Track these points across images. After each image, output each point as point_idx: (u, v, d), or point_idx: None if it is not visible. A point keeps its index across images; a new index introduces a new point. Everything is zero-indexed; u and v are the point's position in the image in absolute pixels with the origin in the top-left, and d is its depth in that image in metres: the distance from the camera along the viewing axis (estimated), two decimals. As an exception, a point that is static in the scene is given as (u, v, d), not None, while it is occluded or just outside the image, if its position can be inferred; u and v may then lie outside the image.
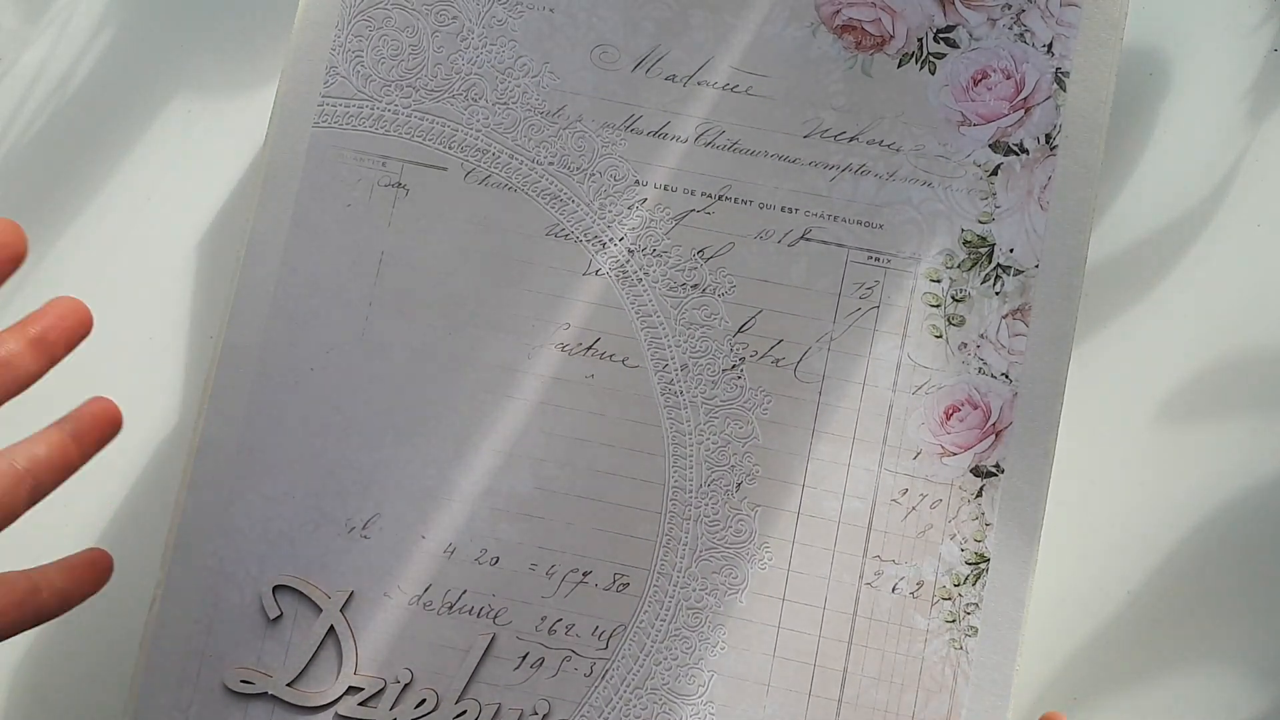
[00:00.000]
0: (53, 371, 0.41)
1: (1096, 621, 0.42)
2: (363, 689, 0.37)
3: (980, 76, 0.40)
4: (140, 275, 0.44)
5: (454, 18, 0.40)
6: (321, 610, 0.38)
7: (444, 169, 0.39)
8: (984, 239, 0.39)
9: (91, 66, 0.45)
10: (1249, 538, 0.42)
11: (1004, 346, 0.39)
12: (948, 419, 0.38)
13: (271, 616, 0.38)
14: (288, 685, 0.37)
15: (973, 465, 0.38)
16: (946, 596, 0.38)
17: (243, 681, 0.37)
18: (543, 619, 0.38)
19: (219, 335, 0.39)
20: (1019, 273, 0.39)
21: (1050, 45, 0.39)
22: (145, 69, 0.45)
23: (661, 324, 0.39)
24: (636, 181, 0.39)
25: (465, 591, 0.38)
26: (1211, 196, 0.44)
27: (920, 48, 0.40)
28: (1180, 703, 0.41)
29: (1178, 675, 0.41)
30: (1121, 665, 0.42)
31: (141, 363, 0.43)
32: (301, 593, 0.38)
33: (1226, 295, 0.43)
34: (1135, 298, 0.44)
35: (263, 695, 0.37)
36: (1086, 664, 0.42)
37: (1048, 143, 0.39)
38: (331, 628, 0.38)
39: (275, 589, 0.38)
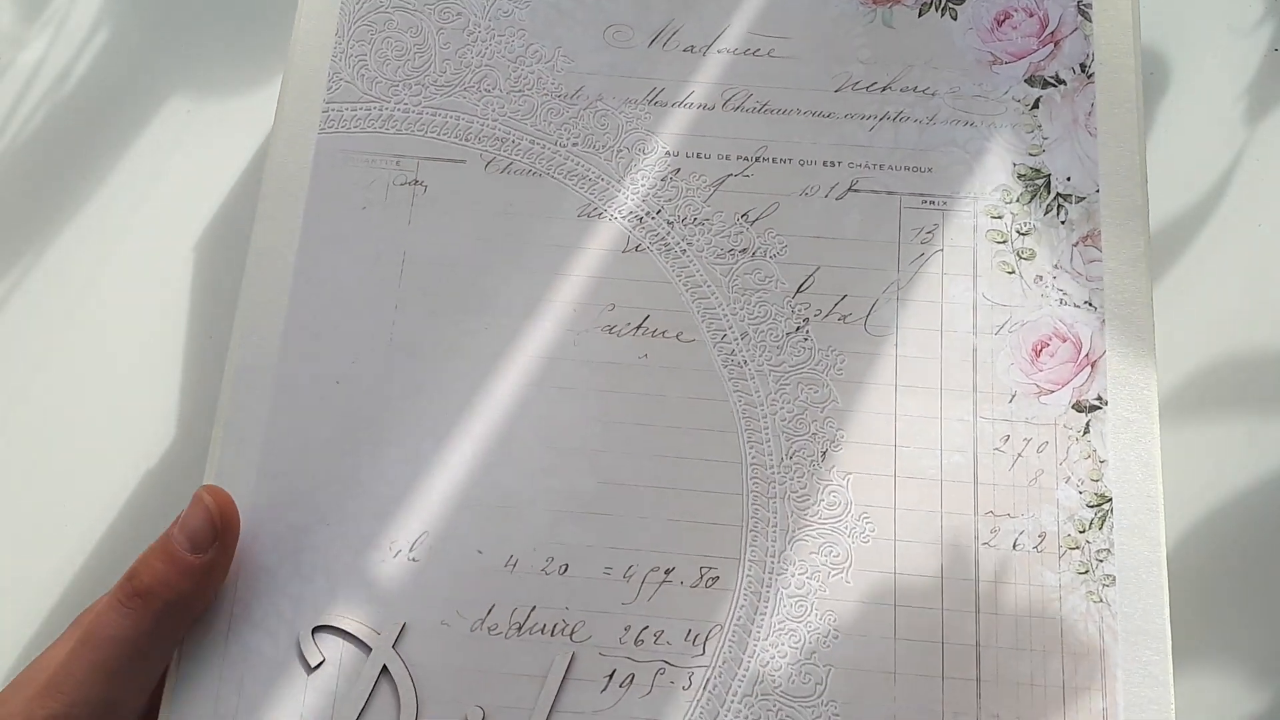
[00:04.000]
0: (52, 371, 0.41)
1: None
2: (426, 734, 0.32)
3: (1003, 17, 0.39)
4: (139, 275, 0.43)
5: (458, 14, 0.38)
6: (371, 650, 0.33)
7: (462, 161, 0.37)
8: (1038, 170, 0.37)
9: (89, 66, 0.45)
10: (1249, 538, 0.40)
11: (1081, 274, 0.36)
12: (1037, 356, 0.35)
13: (313, 664, 0.33)
14: (337, 741, 0.32)
15: (1073, 401, 0.35)
16: (1074, 546, 0.34)
17: (283, 743, 0.32)
18: (626, 629, 0.33)
19: (229, 360, 0.35)
20: (1080, 199, 0.37)
21: (1067, -19, 0.39)
22: (143, 68, 0.44)
23: (714, 293, 0.36)
24: (667, 153, 0.37)
25: (534, 608, 0.33)
26: (1211, 196, 0.44)
27: (937, -3, 0.39)
28: (1180, 703, 0.39)
29: (1178, 675, 0.38)
30: None
31: (141, 363, 0.42)
32: (346, 631, 0.33)
33: (1226, 295, 0.43)
34: None
35: (308, 757, 0.32)
36: None
37: (1084, 71, 0.38)
38: (385, 668, 0.32)
39: (315, 631, 0.33)
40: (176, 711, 0.32)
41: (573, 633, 0.33)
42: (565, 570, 0.33)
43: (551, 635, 0.33)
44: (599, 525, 0.34)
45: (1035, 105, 0.38)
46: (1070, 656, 0.33)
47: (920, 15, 0.39)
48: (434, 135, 0.37)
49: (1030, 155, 0.37)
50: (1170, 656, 0.33)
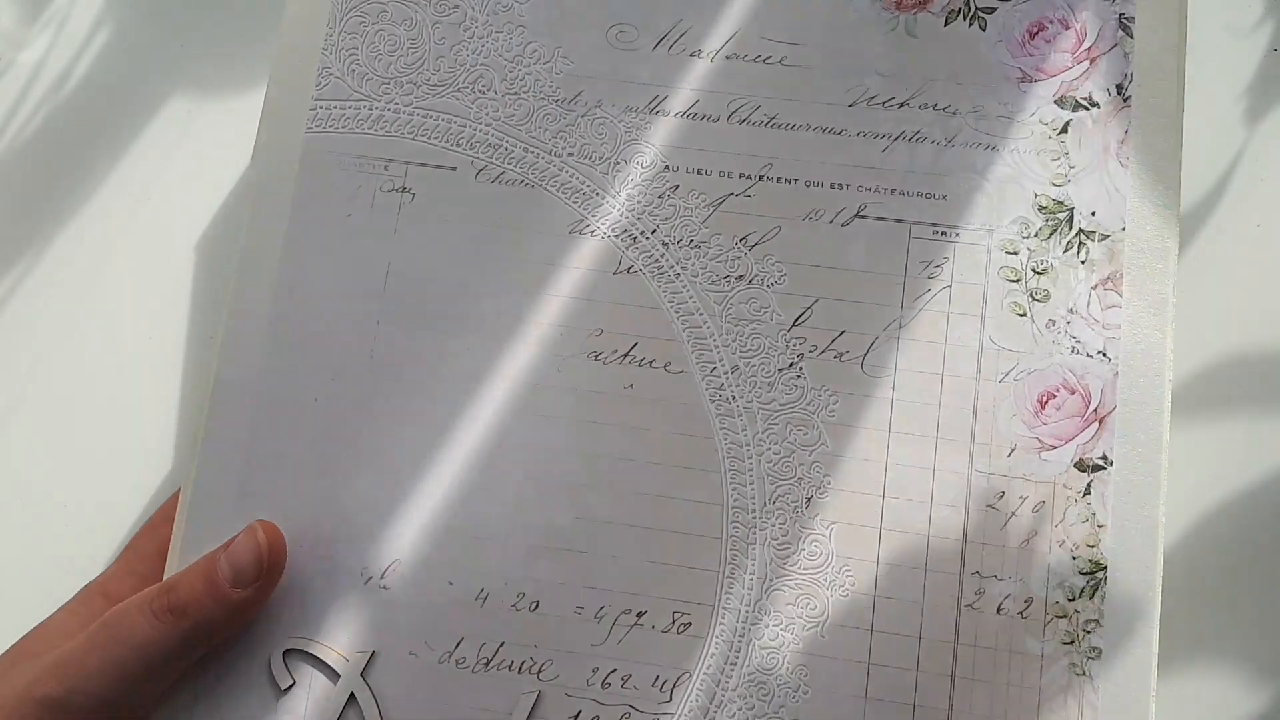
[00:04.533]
0: (52, 370, 0.42)
1: None
2: (390, 765, 0.32)
3: (1036, 29, 0.36)
4: (139, 275, 0.43)
5: (455, 6, 0.36)
6: (340, 675, 0.33)
7: (453, 169, 0.35)
8: (1061, 203, 0.35)
9: (89, 66, 0.44)
10: (1249, 537, 0.40)
11: (1097, 320, 0.34)
12: (1042, 408, 0.34)
13: (283, 686, 0.33)
14: (302, 766, 0.32)
15: (1076, 459, 0.33)
16: (1062, 614, 0.32)
17: (250, 765, 0.32)
18: (594, 670, 0.33)
19: (212, 372, 0.34)
20: (1104, 237, 0.34)
21: (1112, -10, 0.36)
22: (144, 68, 0.44)
23: (706, 322, 0.34)
24: (666, 168, 0.35)
25: (503, 644, 0.33)
26: (1211, 196, 0.43)
27: (967, 3, 0.36)
28: (1180, 703, 0.38)
29: (1178, 675, 0.38)
30: None
31: (141, 363, 0.42)
32: (316, 656, 0.33)
33: (1226, 295, 0.42)
34: None
35: (274, 780, 0.32)
36: None
37: (1120, 94, 0.35)
38: (352, 695, 0.33)
39: (285, 654, 0.33)
40: (148, 728, 0.32)
41: (540, 671, 0.33)
42: (536, 607, 0.33)
43: (519, 672, 0.33)
44: (573, 562, 0.33)
45: (1064, 130, 0.35)
46: (1046, 727, 0.32)
47: (946, 24, 0.36)
48: (425, 139, 0.36)
49: (1054, 185, 0.35)
50: (1150, 736, 0.32)
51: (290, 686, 0.33)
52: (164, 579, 0.33)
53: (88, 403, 0.41)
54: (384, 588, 0.33)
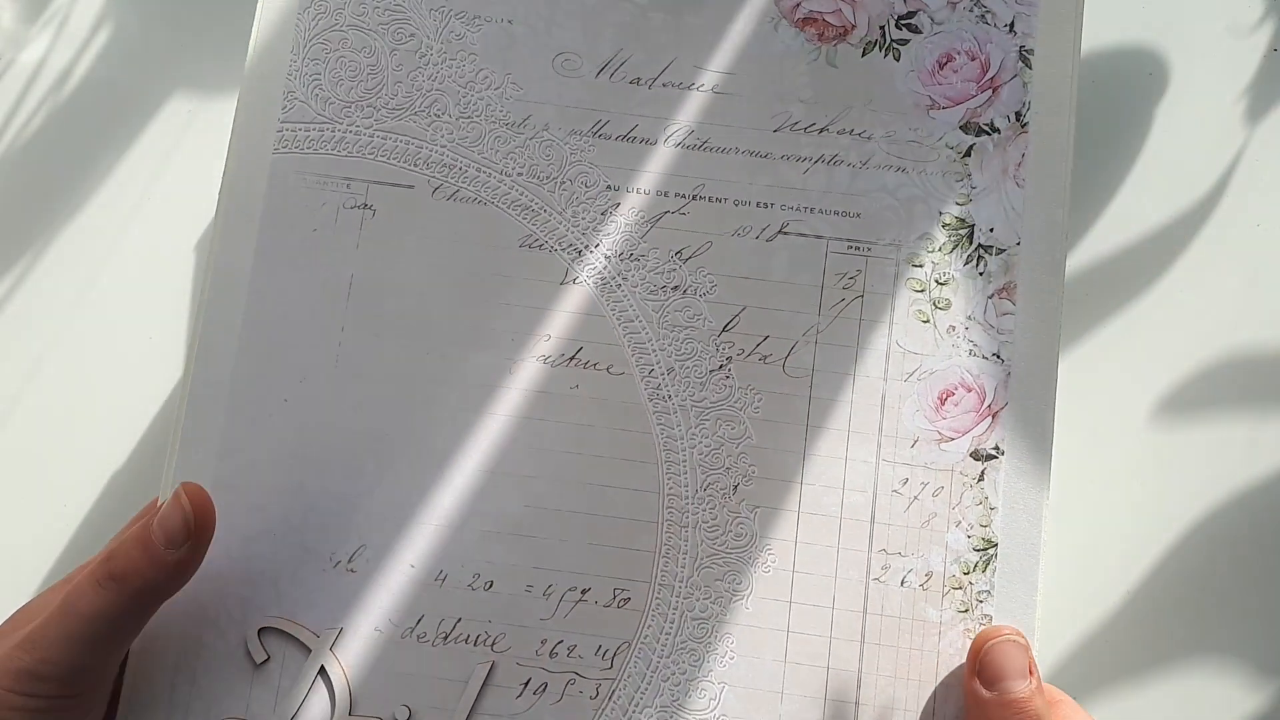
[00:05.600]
0: (52, 370, 0.42)
1: (1096, 621, 0.42)
2: (359, 730, 0.36)
3: (945, 60, 0.39)
4: (139, 275, 0.43)
5: (411, 35, 0.39)
6: (310, 651, 0.36)
7: (410, 187, 0.39)
8: (963, 220, 0.38)
9: (89, 66, 0.45)
10: (1248, 537, 0.42)
11: (993, 326, 0.38)
12: (942, 404, 0.38)
13: (258, 661, 0.36)
14: (279, 732, 0.36)
15: (972, 449, 0.37)
16: (957, 586, 0.37)
17: (231, 732, 0.36)
18: (543, 642, 0.36)
19: (189, 375, 0.37)
20: (1000, 251, 0.38)
21: (1012, 24, 0.39)
22: (143, 68, 0.45)
23: (644, 329, 0.38)
24: (608, 186, 0.39)
25: (460, 620, 0.36)
26: (1210, 196, 0.44)
27: (883, 35, 0.39)
28: (1180, 703, 0.41)
29: (1178, 675, 0.41)
30: (1121, 665, 0.42)
31: (141, 362, 0.43)
32: (288, 634, 0.36)
33: (1226, 295, 0.43)
34: (1134, 297, 0.44)
35: (253, 745, 0.36)
36: (1086, 664, 0.42)
37: (1018, 120, 0.39)
38: (322, 668, 0.36)
39: (261, 632, 0.36)
40: (135, 698, 0.36)
41: (494, 644, 0.36)
42: (490, 586, 0.37)
43: (474, 645, 0.36)
44: (524, 546, 0.37)
45: (967, 153, 0.39)
46: (943, 687, 0.36)
47: (864, 55, 0.39)
48: (384, 159, 0.39)
49: (957, 204, 0.39)
50: (1034, 691, 0.36)
51: (265, 661, 0.36)
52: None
53: (88, 403, 0.43)
54: (351, 570, 0.37)
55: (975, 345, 0.38)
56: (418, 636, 0.36)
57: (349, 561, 0.37)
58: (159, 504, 0.36)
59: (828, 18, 0.39)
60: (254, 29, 0.39)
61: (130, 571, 0.33)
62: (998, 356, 0.38)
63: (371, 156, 0.39)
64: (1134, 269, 0.44)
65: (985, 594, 0.37)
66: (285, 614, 0.36)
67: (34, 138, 0.44)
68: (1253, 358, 0.43)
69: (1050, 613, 0.41)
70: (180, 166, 0.44)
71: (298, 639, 0.36)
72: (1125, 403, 0.43)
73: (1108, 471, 0.43)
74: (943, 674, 0.36)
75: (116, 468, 0.43)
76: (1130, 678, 0.42)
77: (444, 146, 0.39)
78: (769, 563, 0.37)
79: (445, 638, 0.36)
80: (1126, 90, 0.45)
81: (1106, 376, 0.43)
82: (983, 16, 0.39)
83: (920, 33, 0.39)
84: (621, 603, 0.37)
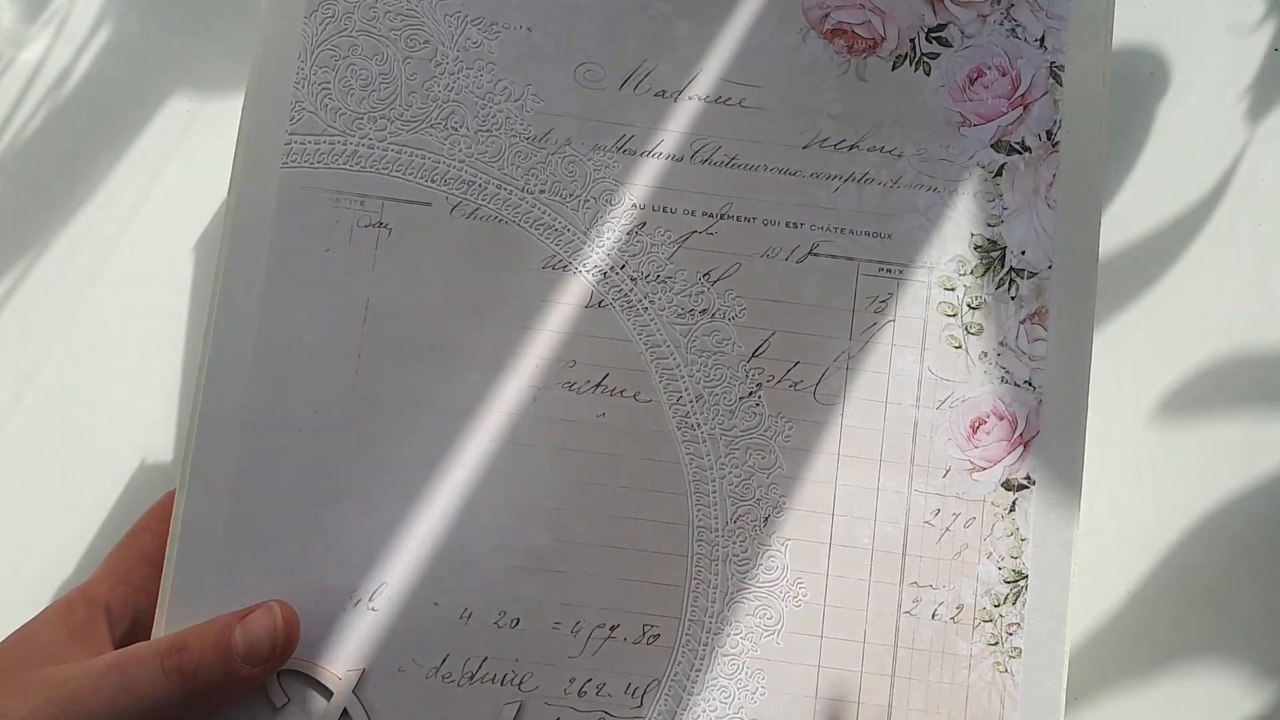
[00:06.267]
0: (52, 370, 0.42)
1: (1096, 621, 0.42)
2: (384, 773, 0.35)
3: (976, 75, 0.38)
4: (139, 275, 0.43)
5: (425, 42, 0.37)
6: (333, 693, 0.35)
7: (428, 204, 0.37)
8: (994, 242, 0.38)
9: (89, 66, 0.44)
10: (1248, 538, 0.42)
11: (1024, 353, 0.37)
12: (974, 432, 0.37)
13: (278, 705, 0.35)
14: (301, 778, 0.35)
15: (1003, 479, 0.37)
16: (988, 619, 0.36)
17: (251, 779, 0.34)
18: (571, 680, 0.36)
19: (198, 403, 0.36)
20: (1032, 275, 0.38)
21: (1042, 39, 0.38)
22: (143, 68, 0.44)
23: (672, 354, 0.37)
24: (634, 205, 0.37)
25: (486, 659, 0.35)
26: (1211, 196, 0.44)
27: (913, 48, 0.38)
28: (1180, 703, 0.41)
29: (1178, 675, 0.41)
30: (1121, 665, 0.42)
31: (140, 363, 0.42)
32: (309, 676, 0.35)
33: (1226, 295, 0.43)
34: (1135, 297, 0.44)
35: (274, 791, 0.34)
36: (1086, 664, 0.42)
37: (1049, 139, 0.38)
38: (345, 711, 0.35)
39: (280, 674, 0.35)
40: (150, 749, 0.34)
41: (521, 683, 0.35)
42: (516, 624, 0.36)
43: (501, 684, 0.35)
44: (551, 581, 0.36)
45: (999, 172, 0.38)
46: None
47: (894, 69, 0.38)
48: (399, 175, 0.37)
49: (989, 225, 0.38)
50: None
51: (285, 705, 0.35)
52: (161, 621, 0.34)
53: (88, 403, 0.42)
54: (372, 609, 0.35)
55: (1007, 372, 0.37)
56: (443, 676, 0.35)
57: (370, 600, 0.35)
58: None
59: (857, 29, 0.38)
60: (258, 33, 0.37)
61: (203, 672, 0.33)
62: (1029, 384, 0.37)
63: (386, 171, 0.37)
64: (1134, 269, 0.44)
65: (1015, 627, 0.36)
66: (306, 655, 0.35)
67: (34, 137, 0.44)
68: (1253, 358, 0.43)
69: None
70: (180, 166, 0.44)
71: (319, 681, 0.35)
72: (1125, 403, 0.43)
73: (1108, 471, 0.43)
74: (972, 708, 0.36)
75: (116, 467, 0.42)
76: (1130, 678, 0.42)
77: (462, 161, 0.37)
78: (800, 596, 0.36)
79: (471, 677, 0.35)
80: (1127, 90, 0.45)
81: (1106, 376, 0.43)
82: (1014, 30, 0.38)
83: (950, 46, 0.38)
84: (651, 639, 0.36)
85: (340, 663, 0.35)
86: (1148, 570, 0.42)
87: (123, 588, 0.36)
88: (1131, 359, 0.43)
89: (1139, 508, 0.43)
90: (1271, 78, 0.45)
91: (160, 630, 0.35)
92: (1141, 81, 0.45)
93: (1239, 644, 0.41)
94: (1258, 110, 0.45)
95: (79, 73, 0.44)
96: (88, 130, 0.44)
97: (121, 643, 0.35)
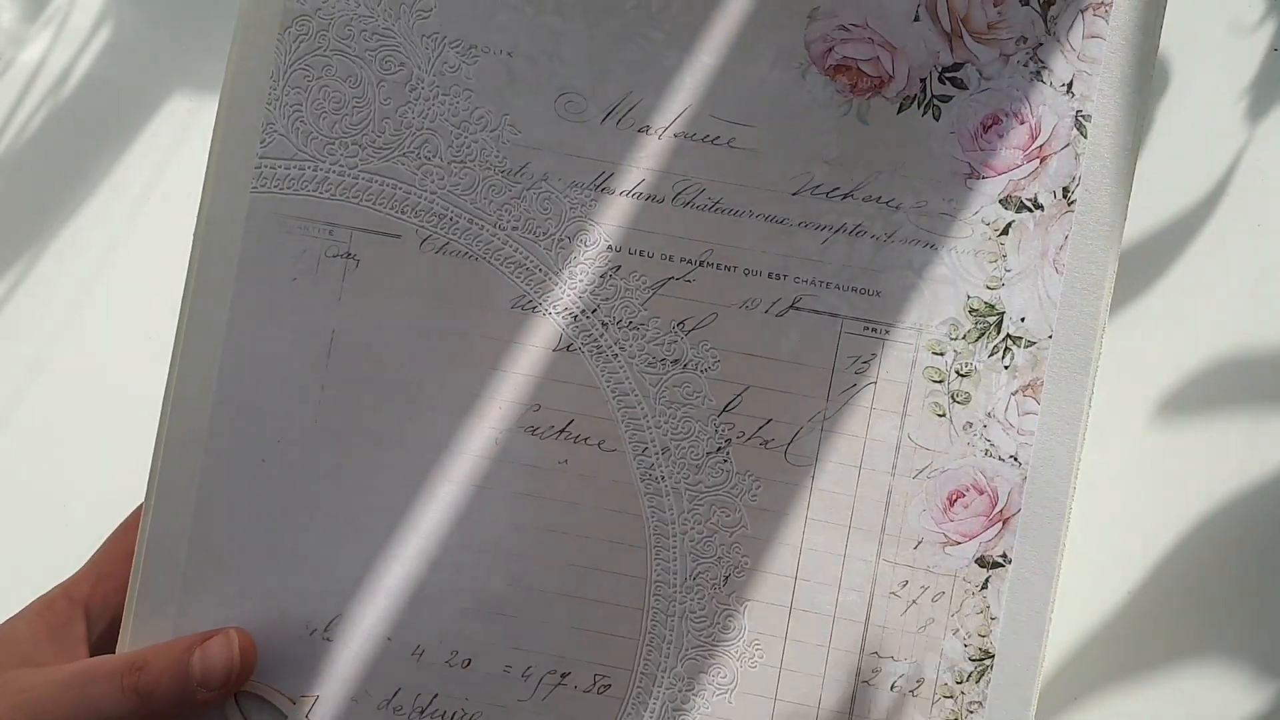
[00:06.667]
0: (52, 370, 0.43)
1: (1096, 621, 0.42)
2: (332, 800, 0.36)
3: (991, 122, 0.35)
4: (139, 274, 0.44)
5: (400, 64, 0.36)
6: (287, 717, 0.36)
7: (397, 236, 0.36)
8: (992, 306, 0.35)
9: (89, 65, 0.45)
10: (1248, 538, 0.41)
11: (1013, 426, 0.35)
12: (951, 505, 0.36)
13: (233, 726, 0.36)
14: (253, 797, 0.36)
15: (978, 555, 0.35)
16: (948, 695, 0.36)
17: (206, 794, 0.36)
18: (519, 722, 0.36)
19: (163, 427, 0.36)
20: (1030, 344, 0.35)
21: (1070, 84, 0.35)
22: (143, 68, 0.45)
23: (640, 403, 0.36)
24: (609, 247, 0.36)
25: (436, 695, 0.36)
26: (1211, 196, 0.43)
27: (923, 89, 0.35)
28: (1180, 703, 0.41)
29: (1178, 675, 0.41)
30: (1121, 665, 0.42)
31: (140, 363, 0.43)
32: (265, 700, 0.36)
33: (1226, 295, 0.43)
34: (1134, 297, 0.44)
35: (227, 807, 0.36)
36: (1086, 664, 0.42)
37: (1065, 197, 0.35)
38: (297, 736, 0.36)
39: (237, 696, 0.36)
40: (111, 761, 0.36)
41: (470, 722, 0.36)
42: (468, 664, 0.36)
43: (450, 722, 0.36)
44: (504, 625, 0.36)
45: (1005, 230, 0.35)
46: (922, 793, 0.36)
47: (900, 111, 0.35)
48: (369, 204, 0.36)
49: (988, 288, 0.35)
50: (1017, 805, 0.35)
51: (242, 725, 0.36)
52: (125, 635, 0.36)
53: (88, 402, 0.43)
54: (327, 639, 0.36)
55: (992, 445, 0.35)
56: (394, 709, 0.36)
57: (325, 630, 0.36)
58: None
59: (863, 66, 0.35)
60: (231, 49, 0.36)
61: (158, 693, 0.33)
62: (1015, 459, 0.35)
63: (356, 200, 0.36)
64: (1134, 269, 0.44)
65: (977, 705, 0.35)
66: (262, 679, 0.36)
67: (34, 137, 0.44)
68: (1253, 358, 0.43)
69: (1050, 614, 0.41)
70: (180, 166, 0.44)
71: (274, 705, 0.36)
72: (1125, 403, 0.43)
73: (1108, 471, 0.43)
74: (923, 781, 0.35)
75: (116, 467, 0.43)
76: (1130, 678, 0.42)
77: (434, 193, 0.36)
78: (756, 658, 0.36)
79: (421, 711, 0.36)
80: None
81: (1106, 377, 0.42)
82: (1038, 73, 0.35)
83: (965, 89, 0.35)
84: (602, 689, 0.36)
85: (295, 688, 0.36)
86: (1148, 570, 0.42)
87: (104, 585, 0.37)
88: (1131, 359, 0.43)
89: (1139, 507, 0.43)
90: (1271, 78, 0.44)
91: (125, 644, 0.36)
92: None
93: (1239, 644, 0.41)
94: (1258, 110, 0.44)
95: (79, 73, 0.44)
96: (88, 130, 0.44)
97: (99, 641, 0.37)
